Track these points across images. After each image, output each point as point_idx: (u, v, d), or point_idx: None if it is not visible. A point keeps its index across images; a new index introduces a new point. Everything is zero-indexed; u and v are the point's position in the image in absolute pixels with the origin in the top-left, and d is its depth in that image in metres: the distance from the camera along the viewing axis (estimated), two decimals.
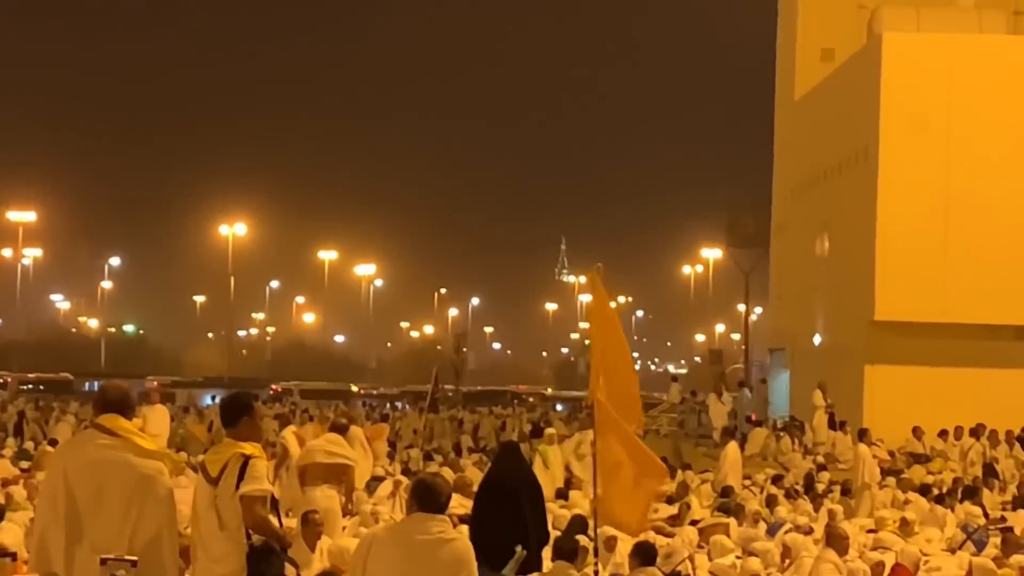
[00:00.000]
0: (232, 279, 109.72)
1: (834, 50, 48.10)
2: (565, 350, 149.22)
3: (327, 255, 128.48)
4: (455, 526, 11.14)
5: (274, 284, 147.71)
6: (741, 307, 79.18)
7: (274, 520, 10.46)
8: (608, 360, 11.33)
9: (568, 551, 12.19)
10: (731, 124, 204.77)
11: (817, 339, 46.41)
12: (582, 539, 13.70)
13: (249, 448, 10.45)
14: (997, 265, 38.78)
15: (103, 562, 9.43)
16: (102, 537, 9.69)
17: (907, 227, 39.48)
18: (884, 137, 40.14)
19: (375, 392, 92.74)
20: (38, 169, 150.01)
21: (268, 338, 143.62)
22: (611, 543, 16.44)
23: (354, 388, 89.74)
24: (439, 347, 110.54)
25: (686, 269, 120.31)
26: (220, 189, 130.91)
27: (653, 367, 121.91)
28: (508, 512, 12.88)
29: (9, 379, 79.19)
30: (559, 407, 72.68)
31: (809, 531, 20.57)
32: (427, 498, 9.99)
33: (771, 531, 21.11)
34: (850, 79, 44.33)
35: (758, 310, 75.55)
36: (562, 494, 24.26)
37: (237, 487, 10.27)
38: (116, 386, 10.57)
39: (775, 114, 55.49)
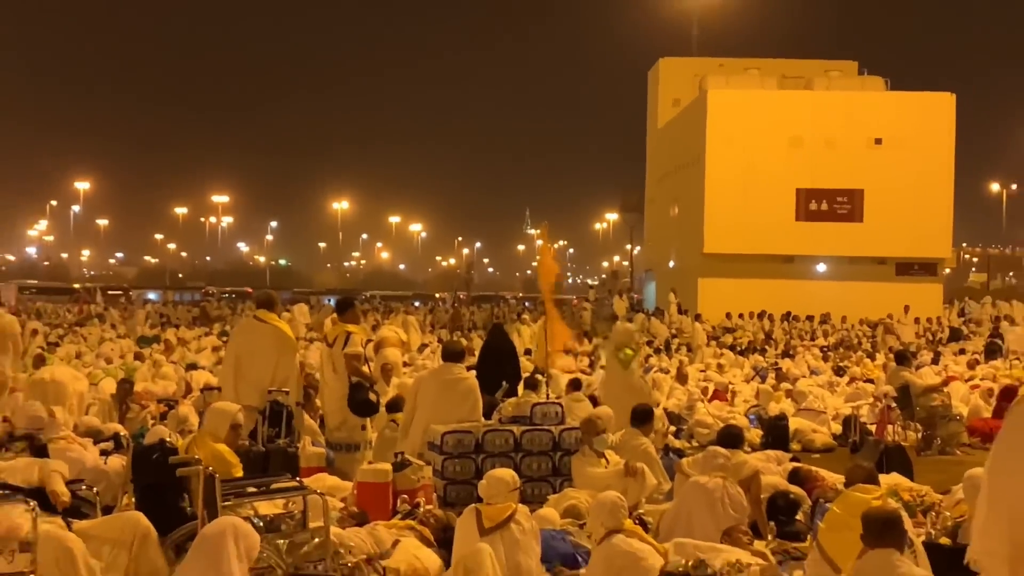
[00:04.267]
0: (340, 235, 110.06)
1: (680, 99, 48.02)
2: (529, 272, 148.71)
3: (394, 219, 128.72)
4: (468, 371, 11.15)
5: (364, 236, 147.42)
6: (628, 247, 79.09)
7: (365, 369, 10.49)
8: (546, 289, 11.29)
9: (531, 383, 12.21)
10: (625, 141, 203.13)
11: (671, 264, 46.47)
12: (539, 376, 13.74)
13: (351, 327, 10.45)
14: (768, 224, 38.93)
15: (269, 392, 9.48)
16: (256, 377, 9.70)
17: (722, 201, 39.43)
18: (709, 150, 40.07)
19: (437, 296, 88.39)
20: (232, 164, 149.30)
21: (360, 267, 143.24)
22: (556, 380, 16.51)
23: (437, 295, 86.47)
24: (458, 270, 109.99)
25: (597, 225, 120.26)
26: (332, 172, 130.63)
27: (580, 280, 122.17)
28: (497, 363, 12.87)
29: (214, 291, 78.96)
30: (527, 304, 72.30)
31: (667, 372, 20.70)
32: (450, 354, 10.04)
33: (645, 371, 21.21)
34: (690, 117, 44.03)
35: (638, 248, 75.36)
36: (528, 352, 24.31)
37: (344, 349, 10.32)
38: (266, 293, 10.56)
39: (647, 135, 55.23)
